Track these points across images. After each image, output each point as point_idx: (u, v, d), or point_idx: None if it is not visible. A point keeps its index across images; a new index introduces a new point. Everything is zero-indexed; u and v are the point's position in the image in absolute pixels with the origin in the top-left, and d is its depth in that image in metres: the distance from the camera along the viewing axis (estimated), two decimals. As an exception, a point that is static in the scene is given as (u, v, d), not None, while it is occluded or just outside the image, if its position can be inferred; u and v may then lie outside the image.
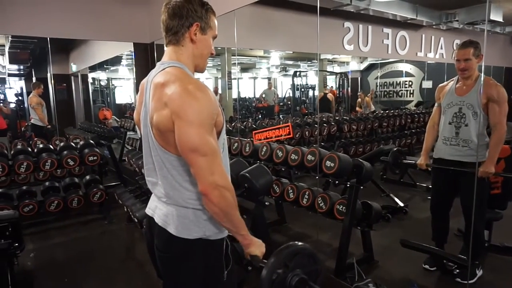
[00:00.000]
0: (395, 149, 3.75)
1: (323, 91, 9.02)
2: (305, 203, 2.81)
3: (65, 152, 3.70)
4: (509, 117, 2.39)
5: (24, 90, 9.59)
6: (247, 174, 2.44)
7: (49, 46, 6.67)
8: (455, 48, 2.47)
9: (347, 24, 5.43)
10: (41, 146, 3.86)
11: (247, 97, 14.03)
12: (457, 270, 2.44)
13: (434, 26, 5.84)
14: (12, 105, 8.81)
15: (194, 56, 1.23)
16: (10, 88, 10.35)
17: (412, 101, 9.43)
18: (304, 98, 10.01)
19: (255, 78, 15.70)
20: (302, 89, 9.93)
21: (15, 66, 9.29)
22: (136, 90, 5.27)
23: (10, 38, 6.65)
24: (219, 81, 11.09)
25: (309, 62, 11.87)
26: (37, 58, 8.16)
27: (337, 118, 6.18)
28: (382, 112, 7.12)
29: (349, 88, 9.68)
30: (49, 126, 6.30)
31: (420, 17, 5.28)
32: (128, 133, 6.09)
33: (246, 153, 3.38)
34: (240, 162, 2.76)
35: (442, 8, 5.48)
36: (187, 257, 1.18)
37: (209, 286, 1.22)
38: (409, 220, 3.62)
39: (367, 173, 2.49)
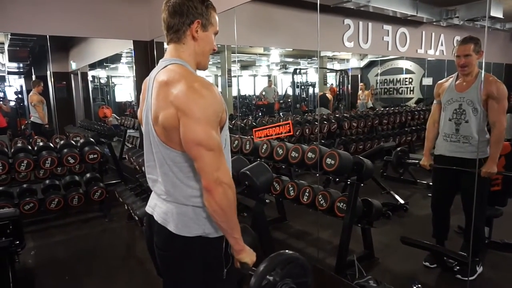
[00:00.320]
0: (399, 149, 3.74)
1: (323, 90, 9.05)
2: (305, 200, 2.81)
3: (65, 150, 3.70)
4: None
5: (24, 88, 9.56)
6: (247, 172, 2.44)
7: (48, 44, 6.65)
8: (455, 44, 2.46)
9: (347, 21, 5.41)
10: (41, 144, 3.87)
11: (247, 94, 14.01)
12: (458, 267, 2.44)
13: (434, 23, 5.81)
14: (12, 103, 8.79)
15: (196, 53, 1.22)
16: (10, 86, 10.33)
17: (412, 98, 9.41)
18: (304, 96, 9.99)
19: (255, 75, 15.67)
20: (302, 87, 9.91)
21: (15, 64, 9.27)
22: (136, 88, 5.27)
23: (9, 36, 6.62)
24: (219, 78, 11.07)
25: (309, 60, 11.84)
26: (36, 56, 8.14)
27: (337, 115, 6.17)
28: (382, 109, 7.11)
29: (349, 86, 9.66)
30: (47, 126, 6.29)
31: (420, 14, 5.25)
32: (128, 131, 6.08)
33: (247, 151, 3.37)
34: (241, 159, 2.76)
35: (442, 5, 5.45)
36: (187, 255, 1.18)
37: (209, 284, 1.22)
38: (410, 217, 3.62)
39: (367, 170, 2.49)
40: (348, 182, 2.58)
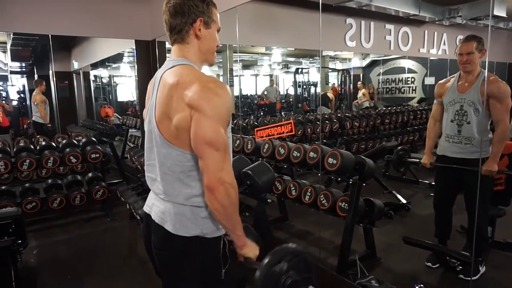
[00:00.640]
0: (399, 147, 3.73)
1: (325, 90, 9.04)
2: (307, 200, 2.81)
3: (67, 150, 3.70)
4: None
5: (26, 88, 9.59)
6: (249, 172, 2.44)
7: (50, 43, 6.67)
8: (458, 44, 2.45)
9: (349, 20, 5.40)
10: (43, 143, 3.87)
11: (249, 94, 14.01)
12: (460, 267, 2.43)
13: (437, 22, 5.79)
14: (15, 103, 8.82)
15: (201, 51, 1.22)
16: (12, 85, 10.36)
17: (414, 97, 9.38)
18: (306, 95, 9.98)
19: (256, 75, 15.66)
20: (304, 86, 9.90)
21: (17, 64, 9.29)
22: (138, 87, 5.28)
23: (11, 36, 6.65)
24: (221, 78, 11.08)
25: (311, 59, 11.82)
26: (39, 56, 8.16)
27: (339, 115, 6.16)
28: (384, 108, 7.10)
29: (351, 85, 9.65)
30: (49, 125, 6.30)
31: (422, 13, 5.23)
32: (130, 130, 6.09)
33: (248, 151, 3.37)
34: (242, 159, 2.76)
35: (445, 4, 5.43)
36: (184, 255, 1.18)
37: (207, 284, 1.21)
38: (412, 217, 3.61)
39: (369, 170, 2.48)
40: (350, 182, 2.58)
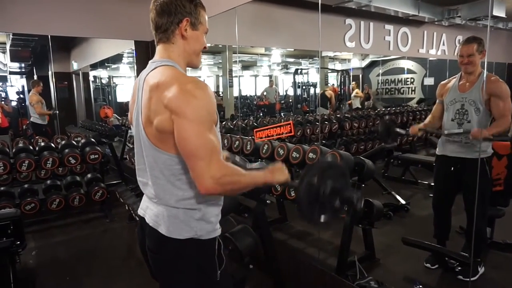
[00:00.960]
0: (387, 117, 3.60)
1: (324, 88, 9.02)
2: (306, 201, 2.80)
3: (66, 151, 3.70)
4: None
5: (26, 88, 9.57)
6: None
7: (50, 44, 6.66)
8: (457, 44, 2.46)
9: (349, 21, 5.40)
10: (42, 144, 3.87)
11: (248, 95, 14.00)
12: (459, 268, 2.44)
13: (436, 22, 5.80)
14: (14, 103, 8.82)
15: (186, 52, 1.21)
16: (12, 86, 10.35)
17: (414, 98, 9.38)
18: (306, 96, 9.98)
19: (256, 76, 15.65)
20: (304, 87, 9.90)
21: (16, 64, 9.28)
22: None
23: (11, 36, 6.65)
24: (220, 79, 11.07)
25: (310, 60, 11.82)
26: (38, 56, 8.15)
27: (338, 115, 6.16)
28: (383, 109, 7.10)
29: (351, 86, 9.65)
30: (52, 112, 6.31)
31: (422, 14, 5.24)
32: (129, 131, 6.08)
33: (247, 151, 3.37)
34: (242, 160, 2.75)
35: (444, 4, 5.44)
36: (179, 258, 1.18)
37: (203, 286, 1.21)
38: (411, 217, 3.61)
39: (368, 171, 2.48)
40: (349, 183, 2.57)
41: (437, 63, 7.36)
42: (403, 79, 9.69)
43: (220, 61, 9.03)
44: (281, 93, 12.83)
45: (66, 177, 4.15)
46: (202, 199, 1.18)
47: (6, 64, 8.98)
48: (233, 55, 7.96)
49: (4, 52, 8.53)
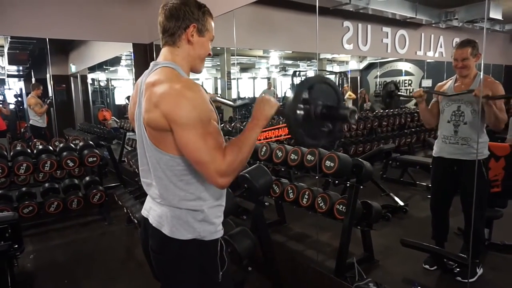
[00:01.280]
0: (390, 80, 3.54)
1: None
2: (305, 203, 2.81)
3: (64, 153, 3.69)
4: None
5: (24, 91, 9.57)
6: (246, 175, 2.43)
7: (48, 46, 6.64)
8: (453, 48, 2.46)
9: (346, 23, 5.42)
10: (40, 147, 3.86)
11: (246, 97, 14.00)
12: (458, 269, 2.44)
13: (433, 25, 5.83)
14: (12, 106, 8.80)
15: (191, 57, 1.23)
16: (10, 89, 10.33)
17: (411, 100, 9.42)
18: (304, 98, 9.99)
19: (254, 78, 15.66)
20: (302, 89, 9.91)
21: (14, 67, 9.29)
22: (135, 90, 5.28)
23: (9, 39, 6.64)
24: (219, 81, 11.08)
25: (308, 62, 11.84)
26: (36, 59, 8.15)
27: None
28: (382, 111, 7.11)
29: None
30: (47, 101, 6.36)
31: (419, 16, 5.27)
32: (127, 133, 6.08)
33: (246, 153, 3.37)
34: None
35: (441, 7, 5.47)
36: (181, 258, 1.18)
37: (204, 287, 1.21)
38: (409, 219, 3.62)
39: (367, 172, 2.49)
40: (348, 185, 2.58)
41: (435, 65, 7.39)
42: (401, 81, 9.72)
43: (219, 63, 9.03)
44: (279, 95, 12.84)
45: (64, 180, 4.14)
46: (205, 201, 1.19)
47: (4, 67, 8.97)
48: (231, 57, 7.97)
49: (2, 55, 8.52)
